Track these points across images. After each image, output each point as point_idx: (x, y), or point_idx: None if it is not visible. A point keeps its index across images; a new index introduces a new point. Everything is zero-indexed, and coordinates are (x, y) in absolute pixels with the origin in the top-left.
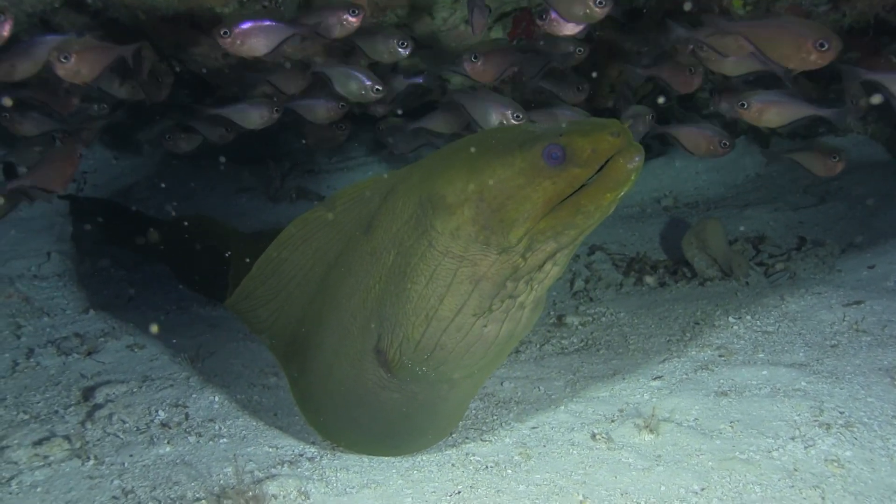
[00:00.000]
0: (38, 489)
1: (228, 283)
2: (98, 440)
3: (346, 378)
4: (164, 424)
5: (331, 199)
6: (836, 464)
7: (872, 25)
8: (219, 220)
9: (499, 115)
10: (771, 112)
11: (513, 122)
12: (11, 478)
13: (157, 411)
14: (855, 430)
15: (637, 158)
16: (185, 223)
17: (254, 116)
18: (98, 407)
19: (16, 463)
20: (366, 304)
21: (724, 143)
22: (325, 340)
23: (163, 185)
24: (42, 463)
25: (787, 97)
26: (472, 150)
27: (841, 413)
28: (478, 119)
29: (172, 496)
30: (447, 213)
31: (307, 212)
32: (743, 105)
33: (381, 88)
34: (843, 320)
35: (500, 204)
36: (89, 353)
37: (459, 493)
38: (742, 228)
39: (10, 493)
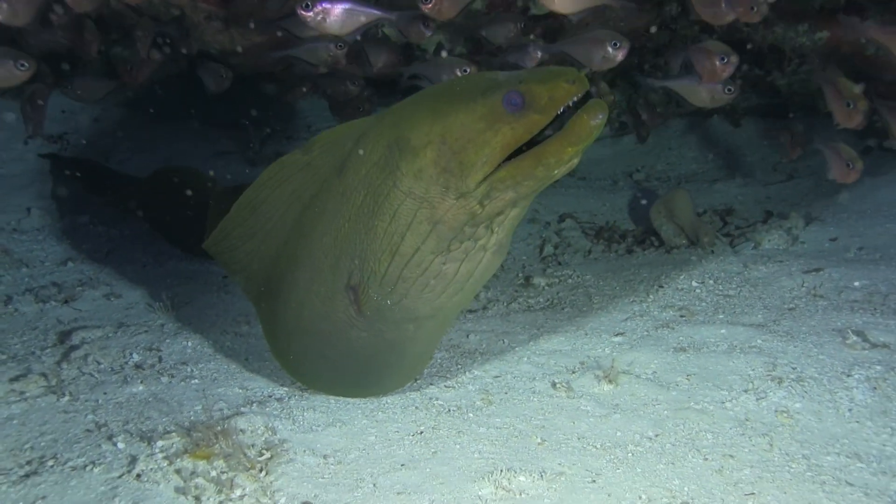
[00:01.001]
0: (14, 421)
1: (206, 229)
2: (73, 379)
3: (316, 316)
4: (137, 366)
5: (308, 143)
6: (785, 414)
7: (843, 5)
8: (199, 171)
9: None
10: None
11: (609, 50)
12: None
13: (131, 354)
14: (805, 384)
15: (600, 116)
16: (166, 174)
17: (321, 52)
18: (74, 348)
19: None
20: (337, 243)
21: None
22: (297, 279)
23: (139, 146)
24: (18, 398)
25: None
26: (439, 96)
27: (793, 368)
28: (578, 58)
29: (144, 429)
30: (412, 155)
31: (285, 155)
32: None
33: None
34: (802, 286)
35: (461, 147)
36: (66, 301)
37: (422, 433)
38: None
39: None
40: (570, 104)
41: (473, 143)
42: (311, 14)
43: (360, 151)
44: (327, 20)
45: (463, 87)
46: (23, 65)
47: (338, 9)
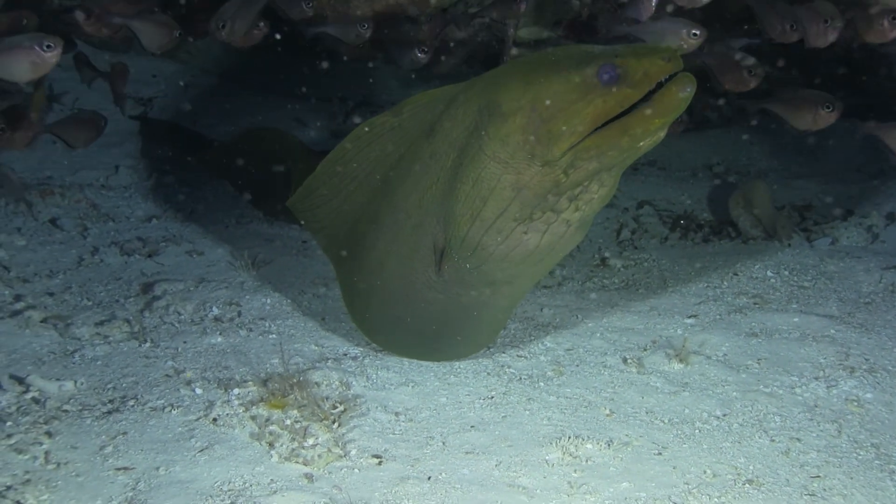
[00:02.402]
0: (98, 363)
1: (291, 187)
2: (155, 327)
3: (395, 276)
4: (217, 319)
5: (398, 105)
6: (855, 403)
7: None
8: (285, 132)
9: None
10: None
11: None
12: (75, 351)
13: (211, 307)
14: (878, 375)
15: (689, 88)
16: (251, 135)
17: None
18: (156, 299)
19: (79, 339)
20: (422, 204)
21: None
22: (378, 239)
23: (224, 113)
24: (102, 341)
25: None
26: (532, 65)
27: (866, 360)
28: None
29: (221, 377)
30: (501, 120)
31: (374, 117)
32: None
33: None
34: (880, 282)
35: (551, 115)
36: (150, 255)
37: (492, 398)
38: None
39: (73, 364)
40: (663, 81)
41: (564, 112)
42: None
43: (453, 114)
44: None
45: (558, 57)
46: (49, 46)
47: None
